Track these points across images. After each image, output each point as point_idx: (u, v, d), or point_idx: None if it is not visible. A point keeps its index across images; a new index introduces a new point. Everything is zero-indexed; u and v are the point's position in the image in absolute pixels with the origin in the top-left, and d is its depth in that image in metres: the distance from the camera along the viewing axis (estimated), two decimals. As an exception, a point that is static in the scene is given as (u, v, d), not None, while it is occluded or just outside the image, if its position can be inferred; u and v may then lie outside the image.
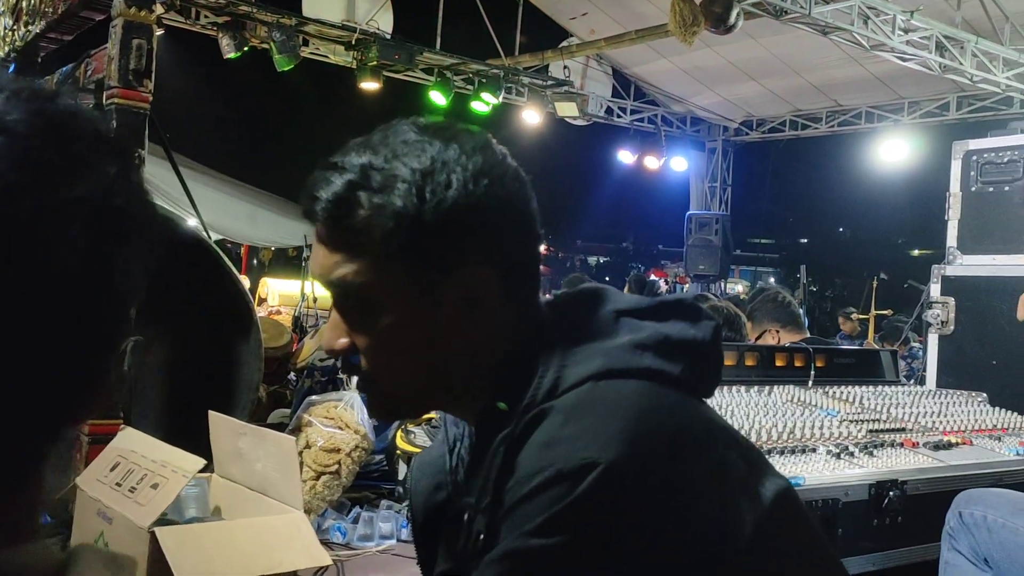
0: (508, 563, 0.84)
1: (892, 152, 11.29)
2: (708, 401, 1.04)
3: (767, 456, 1.11)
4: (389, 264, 0.93)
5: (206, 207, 6.92)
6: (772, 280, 22.80)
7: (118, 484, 1.97)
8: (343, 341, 0.97)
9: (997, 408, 2.90)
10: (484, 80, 9.68)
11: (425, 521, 1.12)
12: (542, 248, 1.08)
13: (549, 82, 10.31)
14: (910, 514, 2.11)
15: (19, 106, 0.52)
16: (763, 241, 26.84)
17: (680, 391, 0.95)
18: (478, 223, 0.93)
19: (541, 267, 1.06)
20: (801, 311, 4.24)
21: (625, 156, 12.34)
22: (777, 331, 3.97)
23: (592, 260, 27.10)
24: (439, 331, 0.95)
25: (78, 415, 0.57)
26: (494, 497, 0.89)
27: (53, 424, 0.54)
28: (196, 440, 2.26)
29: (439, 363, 0.97)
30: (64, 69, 3.53)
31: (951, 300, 3.30)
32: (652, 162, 12.12)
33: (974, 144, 3.34)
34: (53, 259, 0.50)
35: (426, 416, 3.61)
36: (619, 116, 12.00)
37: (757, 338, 4.05)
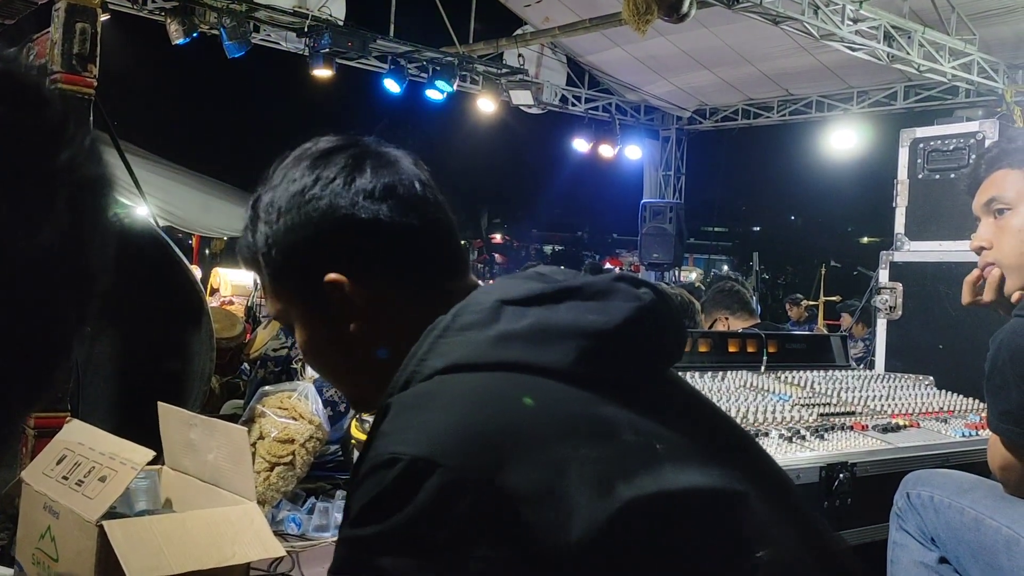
0: (339, 549, 0.89)
1: (842, 141, 11.48)
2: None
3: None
4: (279, 284, 1.08)
5: (156, 196, 6.82)
6: (725, 268, 23.05)
7: (65, 478, 1.93)
8: None
9: (943, 391, 2.97)
10: (438, 68, 9.63)
11: None
12: (454, 241, 1.11)
13: (504, 70, 10.30)
14: (860, 496, 2.15)
15: None
16: (716, 229, 27.12)
17: (559, 380, 0.91)
18: (347, 233, 1.03)
19: (457, 260, 1.10)
20: (753, 298, 4.28)
21: (580, 145, 12.38)
22: (727, 318, 4.03)
23: (548, 249, 27.17)
24: (340, 334, 1.05)
25: (40, 400, 0.53)
26: (349, 484, 0.94)
27: (16, 410, 0.51)
28: (147, 432, 2.22)
29: (351, 363, 1.08)
30: (5, 54, 3.43)
31: (899, 286, 3.36)
32: (607, 151, 12.17)
33: (921, 132, 3.40)
34: (35, 232, 0.47)
35: (381, 405, 3.61)
36: (574, 104, 12.03)
37: (709, 326, 4.10)
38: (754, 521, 0.94)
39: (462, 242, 1.19)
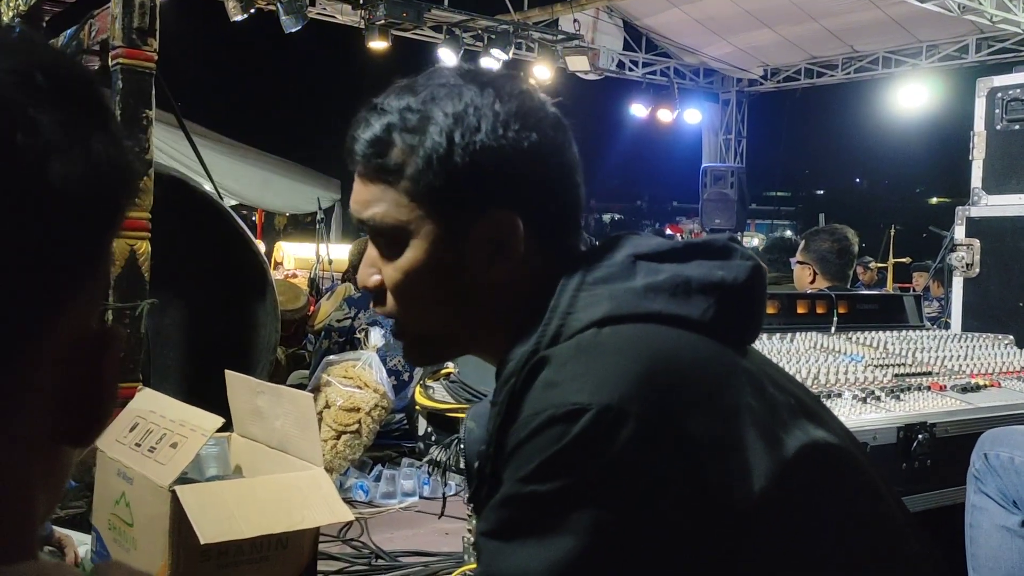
0: (506, 509, 0.84)
1: (911, 98, 11.12)
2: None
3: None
4: (418, 203, 0.96)
5: (219, 173, 6.91)
6: (789, 233, 22.64)
7: (137, 444, 1.96)
8: (376, 278, 1.01)
9: (1024, 350, 2.86)
10: (493, 36, 9.56)
11: (478, 469, 1.14)
12: (581, 196, 1.05)
13: (559, 36, 10.17)
14: (939, 457, 2.08)
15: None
16: (779, 194, 26.65)
17: (700, 334, 0.92)
18: (506, 167, 0.95)
19: (580, 213, 1.04)
20: (849, 271, 4.08)
21: (638, 110, 12.19)
22: (814, 273, 3.87)
23: (607, 218, 27.01)
24: (464, 271, 0.97)
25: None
26: (498, 443, 0.89)
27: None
28: (215, 401, 2.25)
29: (462, 303, 0.99)
30: (68, 31, 3.48)
31: (976, 242, 3.24)
32: (665, 115, 11.97)
33: (999, 81, 3.25)
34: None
35: (444, 371, 3.60)
36: (631, 69, 11.86)
37: (798, 261, 3.97)
38: (867, 475, 0.99)
39: None
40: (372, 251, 1.02)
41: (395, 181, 0.96)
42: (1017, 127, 3.18)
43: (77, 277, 0.47)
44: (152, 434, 1.96)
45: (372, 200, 0.98)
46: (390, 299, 1.00)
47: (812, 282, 3.86)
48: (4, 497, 0.46)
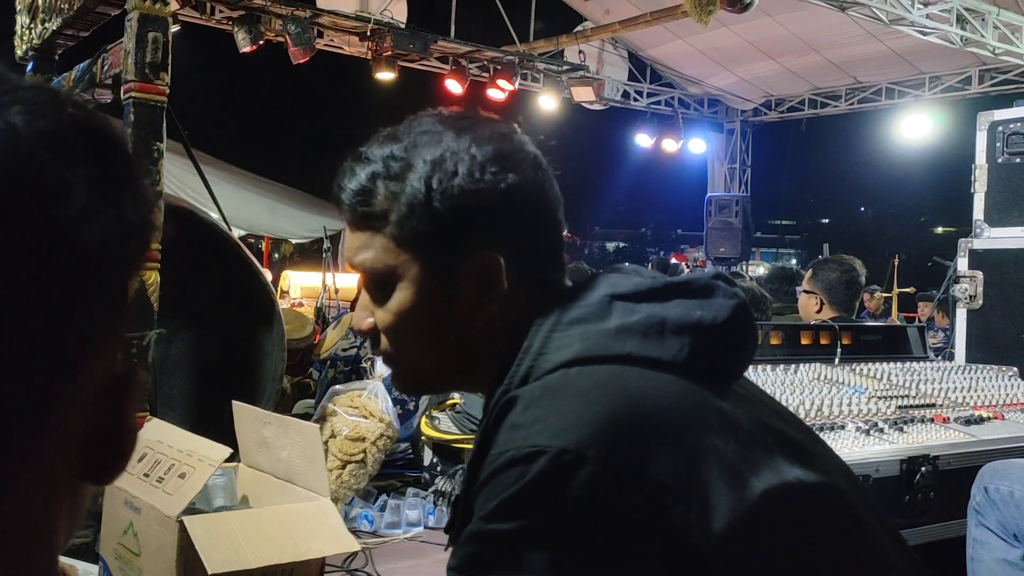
0: (470, 546, 0.86)
1: (914, 128, 11.15)
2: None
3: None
4: (403, 248, 0.99)
5: (226, 202, 6.96)
6: (794, 262, 22.64)
7: (146, 475, 1.98)
8: (368, 322, 1.05)
9: (1028, 382, 2.86)
10: (499, 67, 9.65)
11: (453, 503, 1.16)
12: (564, 234, 1.08)
13: (564, 67, 10.26)
14: (942, 489, 2.08)
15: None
16: (784, 222, 26.67)
17: (674, 374, 0.92)
18: (485, 209, 0.98)
19: (562, 252, 1.07)
20: (856, 302, 4.08)
21: (643, 140, 12.25)
22: (822, 303, 3.87)
23: (611, 246, 27.04)
24: (451, 311, 1.00)
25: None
26: (470, 478, 0.91)
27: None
28: (222, 431, 2.27)
29: (452, 342, 1.02)
30: (81, 65, 3.53)
31: (979, 274, 3.26)
32: (670, 145, 12.03)
33: (1000, 114, 3.28)
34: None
35: (450, 401, 3.61)
36: (636, 100, 11.93)
37: (805, 290, 3.98)
38: (854, 513, 0.97)
39: None
40: (365, 296, 1.05)
41: (381, 227, 1.00)
42: (1018, 160, 3.21)
43: (103, 325, 0.50)
44: (160, 464, 1.97)
45: (361, 246, 1.02)
46: (384, 341, 1.04)
47: (819, 311, 3.87)
48: (34, 535, 0.48)
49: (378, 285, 1.02)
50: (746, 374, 1.07)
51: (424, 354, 1.04)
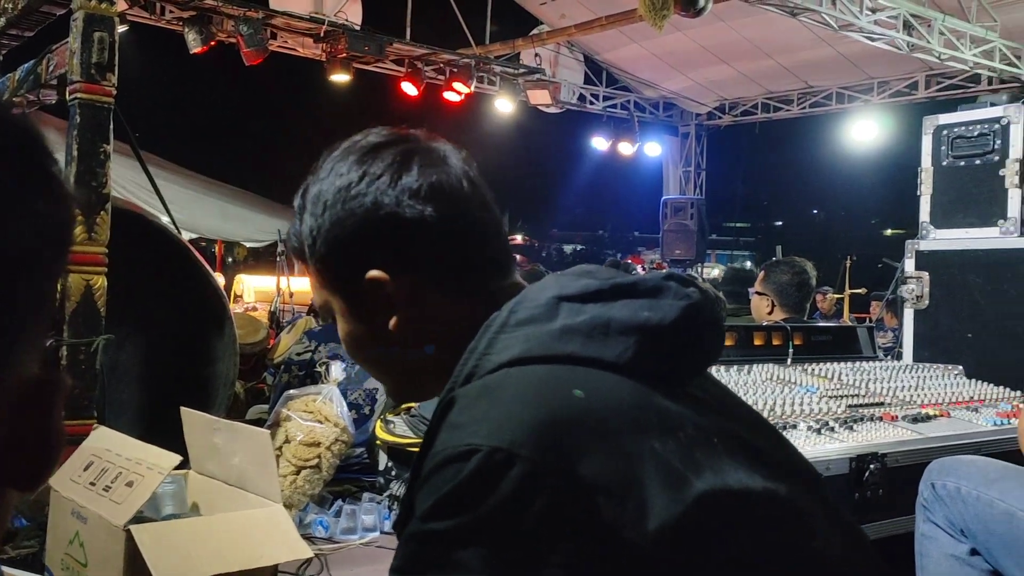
0: (410, 545, 0.86)
1: (863, 132, 11.38)
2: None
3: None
4: (323, 278, 1.07)
5: (177, 205, 6.86)
6: (748, 264, 22.91)
7: (92, 483, 1.94)
8: None
9: (973, 380, 2.93)
10: (455, 70, 9.64)
11: (401, 502, 1.21)
12: (500, 240, 1.09)
13: (521, 70, 10.28)
14: (890, 486, 2.12)
15: None
16: (738, 224, 27.00)
17: (618, 375, 0.92)
18: (390, 232, 1.01)
19: (503, 258, 1.08)
20: (807, 304, 4.15)
21: (599, 143, 12.33)
22: (773, 304, 3.92)
23: (568, 248, 27.12)
24: (381, 333, 1.04)
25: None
26: (413, 476, 0.92)
27: None
28: (173, 438, 2.23)
29: (390, 362, 1.09)
30: (26, 66, 3.46)
31: (925, 275, 3.32)
32: (626, 148, 12.12)
33: (944, 119, 3.35)
34: None
35: (405, 405, 3.59)
36: (592, 103, 12.00)
37: (757, 292, 4.03)
38: (802, 518, 0.96)
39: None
40: None
41: (309, 263, 1.07)
42: (962, 163, 3.28)
43: (20, 331, 0.48)
44: (107, 473, 1.94)
45: (311, 283, 1.10)
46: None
47: (770, 313, 3.92)
48: None
49: (325, 315, 1.10)
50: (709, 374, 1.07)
51: (381, 371, 1.12)
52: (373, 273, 1.02)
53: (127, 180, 7.70)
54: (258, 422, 3.94)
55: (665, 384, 0.95)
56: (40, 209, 0.48)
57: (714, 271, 15.98)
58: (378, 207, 1.02)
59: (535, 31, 10.55)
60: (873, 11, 7.91)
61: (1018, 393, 2.87)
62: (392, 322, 1.03)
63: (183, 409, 2.30)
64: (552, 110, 11.22)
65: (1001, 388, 2.85)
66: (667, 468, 0.86)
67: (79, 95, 2.79)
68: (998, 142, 3.18)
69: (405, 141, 1.07)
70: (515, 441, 0.82)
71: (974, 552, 1.93)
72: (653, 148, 12.64)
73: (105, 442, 2.07)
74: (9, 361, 0.47)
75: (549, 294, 0.98)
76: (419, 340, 1.04)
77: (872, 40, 8.25)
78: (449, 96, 9.75)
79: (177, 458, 1.97)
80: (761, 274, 4.10)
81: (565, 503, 0.82)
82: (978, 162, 3.23)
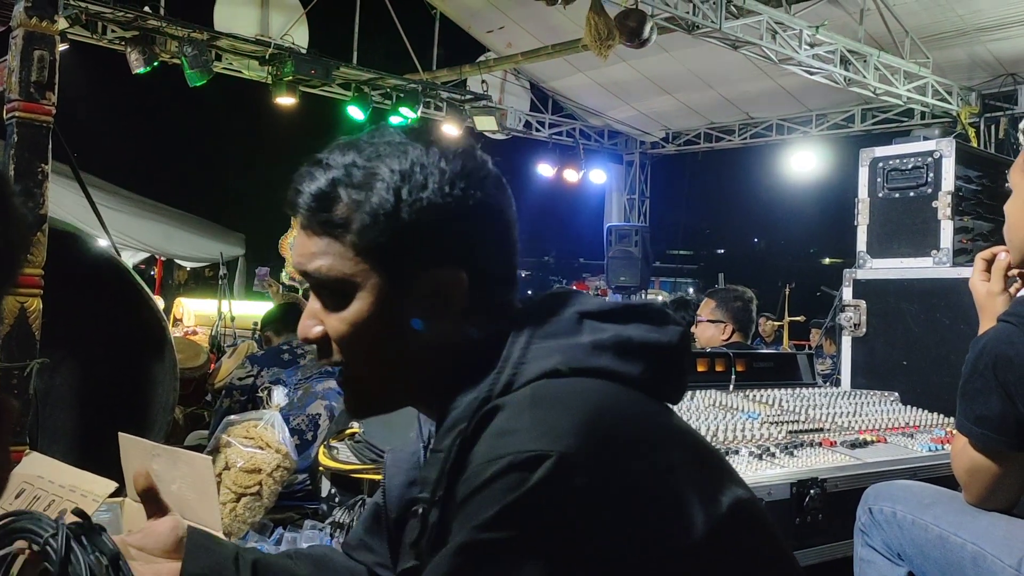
0: (461, 558, 0.83)
1: (802, 163, 11.66)
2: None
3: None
4: (364, 257, 0.97)
5: (118, 226, 6.73)
6: (691, 291, 23.21)
7: (24, 512, 1.88)
8: (317, 329, 1.02)
9: (909, 407, 2.99)
10: (402, 95, 9.66)
11: (399, 517, 1.14)
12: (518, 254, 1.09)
13: (467, 96, 10.34)
14: (830, 511, 2.15)
15: None
16: (682, 252, 27.35)
17: (638, 392, 0.96)
18: (452, 225, 0.98)
19: (518, 271, 1.09)
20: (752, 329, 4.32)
21: (545, 169, 12.43)
22: (732, 330, 4.05)
23: (515, 274, 27.16)
24: (407, 324, 0.99)
25: None
26: (447, 490, 0.89)
27: None
28: (110, 464, 2.17)
29: (407, 354, 1.01)
30: (-39, 82, 3.37)
31: (862, 303, 3.40)
32: (571, 175, 12.24)
33: (880, 151, 3.45)
34: None
35: (349, 431, 3.55)
36: (538, 130, 12.10)
37: (709, 320, 4.12)
38: (774, 531, 1.03)
39: None
40: (314, 303, 1.03)
41: (341, 235, 0.97)
42: (897, 195, 3.37)
43: None
44: (40, 500, 1.88)
45: (317, 253, 0.99)
46: (335, 349, 1.02)
47: (727, 340, 4.02)
48: None
49: (333, 293, 1.00)
50: None
51: (376, 365, 1.02)
52: (454, 270, 0.98)
53: (66, 200, 7.53)
54: (198, 448, 3.86)
55: (666, 403, 1.02)
56: None
57: (659, 297, 16.16)
58: (487, 208, 1.00)
59: (482, 58, 10.63)
60: (812, 46, 8.14)
61: (951, 419, 2.95)
62: (435, 321, 0.99)
63: (121, 435, 2.25)
64: (498, 136, 11.28)
65: (935, 414, 2.92)
66: (698, 480, 0.91)
67: (17, 113, 2.73)
68: (931, 175, 3.28)
69: (464, 141, 1.07)
70: (578, 448, 0.84)
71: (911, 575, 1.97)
72: (598, 175, 12.78)
73: (38, 468, 2.00)
74: None
75: (572, 309, 1.01)
76: (445, 344, 1.00)
77: (811, 74, 8.47)
78: (395, 121, 9.75)
79: (113, 485, 1.92)
80: (710, 302, 4.19)
81: (626, 512, 0.84)
82: (912, 194, 3.33)
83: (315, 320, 1.02)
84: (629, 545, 0.84)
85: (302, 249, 1.01)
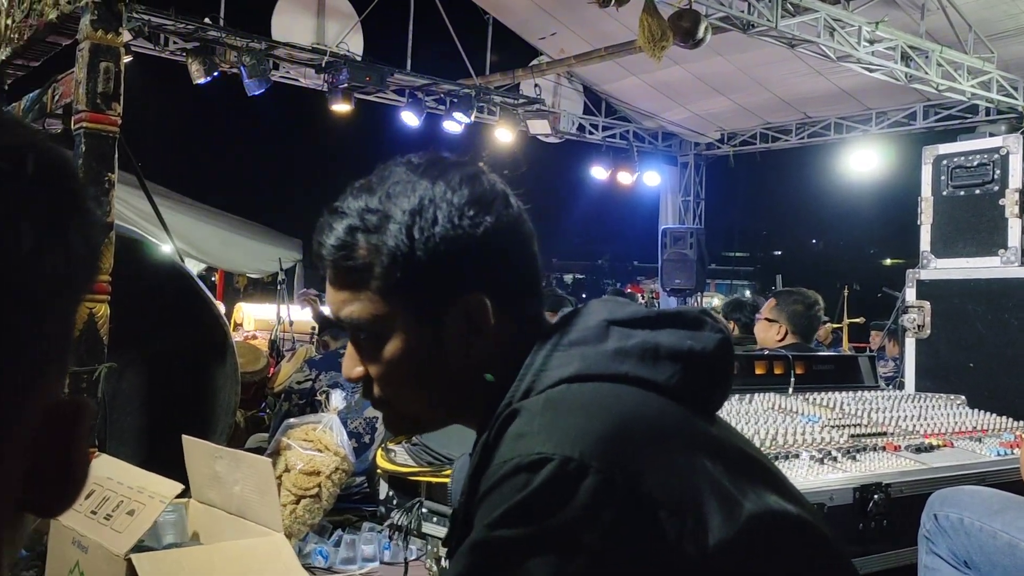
0: (473, 555, 0.86)
1: (862, 162, 11.42)
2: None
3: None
4: (389, 299, 1.00)
5: (180, 233, 6.88)
6: (748, 293, 22.93)
7: (93, 512, 1.93)
8: (358, 370, 1.06)
9: (976, 410, 2.92)
10: (456, 100, 9.70)
11: (452, 515, 1.17)
12: (539, 265, 1.11)
13: (520, 100, 10.35)
14: (894, 517, 2.11)
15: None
16: (738, 254, 27.05)
17: (666, 397, 0.96)
18: (467, 253, 1.00)
19: (540, 286, 1.10)
20: (814, 334, 4.22)
21: (598, 172, 12.38)
22: (786, 332, 3.96)
23: (568, 278, 27.14)
24: (441, 357, 1.02)
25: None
26: (470, 490, 0.93)
27: None
28: (175, 466, 2.22)
29: (444, 385, 1.04)
30: (31, 95, 3.48)
31: (926, 304, 3.32)
32: (625, 178, 12.17)
33: (944, 149, 3.37)
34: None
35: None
36: (591, 133, 12.06)
37: (766, 319, 4.05)
38: (829, 544, 1.01)
39: None
40: (351, 346, 1.06)
41: (365, 280, 1.00)
42: (962, 193, 3.29)
43: (48, 356, 0.49)
44: (108, 501, 1.93)
45: (346, 300, 1.02)
46: (376, 389, 1.05)
47: (781, 340, 3.95)
48: None
49: (367, 336, 1.03)
50: None
51: (419, 398, 1.06)
52: (478, 295, 1.00)
53: (131, 208, 7.73)
54: (258, 451, 3.92)
55: (702, 410, 1.01)
56: (71, 237, 0.48)
57: (714, 300, 15.99)
58: (498, 231, 1.01)
59: (535, 62, 10.63)
60: (871, 43, 7.98)
61: (1021, 423, 2.87)
62: (464, 347, 1.01)
63: (185, 437, 2.29)
64: (552, 140, 11.28)
65: (1004, 418, 2.84)
66: (720, 488, 0.90)
67: (85, 124, 2.81)
68: (997, 172, 3.20)
69: (461, 165, 1.07)
70: (585, 452, 0.85)
71: (978, 583, 1.92)
72: (652, 178, 12.69)
73: (107, 470, 2.06)
74: (38, 385, 0.48)
75: (599, 317, 1.03)
76: (479, 366, 1.02)
77: (870, 71, 8.31)
78: (449, 126, 9.81)
79: (179, 487, 1.96)
80: (772, 301, 4.13)
81: (632, 516, 0.84)
82: (978, 192, 3.25)
83: (355, 361, 1.06)
84: (639, 549, 0.84)
85: (333, 298, 1.05)
